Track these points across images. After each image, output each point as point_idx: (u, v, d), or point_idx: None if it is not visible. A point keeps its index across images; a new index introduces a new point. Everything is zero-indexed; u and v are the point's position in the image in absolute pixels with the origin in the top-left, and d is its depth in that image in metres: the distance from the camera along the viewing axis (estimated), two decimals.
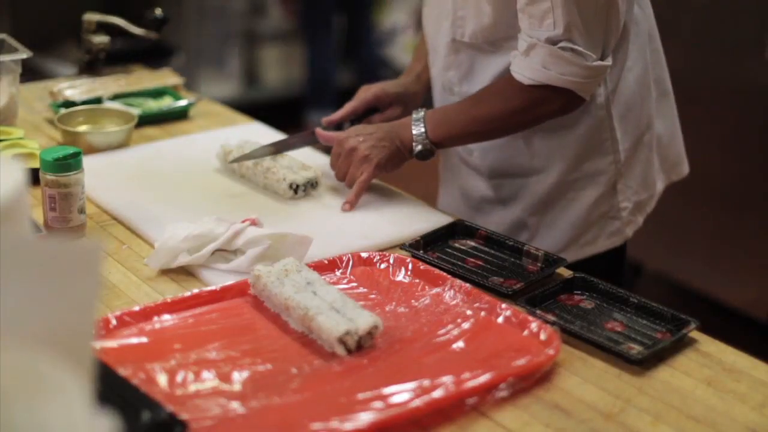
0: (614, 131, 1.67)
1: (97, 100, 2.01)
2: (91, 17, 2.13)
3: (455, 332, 1.24)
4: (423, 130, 1.58)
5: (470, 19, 1.60)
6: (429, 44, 1.74)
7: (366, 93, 1.78)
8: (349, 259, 1.40)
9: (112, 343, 1.19)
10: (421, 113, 1.60)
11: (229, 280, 1.34)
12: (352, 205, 1.59)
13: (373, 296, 1.33)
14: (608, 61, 1.52)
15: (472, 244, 1.51)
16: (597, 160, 1.67)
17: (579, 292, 1.36)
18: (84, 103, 1.99)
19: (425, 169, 1.80)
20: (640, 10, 1.66)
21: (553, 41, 1.48)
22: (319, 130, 1.71)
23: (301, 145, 1.75)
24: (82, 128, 1.88)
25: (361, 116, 1.77)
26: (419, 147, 1.58)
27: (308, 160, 1.70)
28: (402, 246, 1.47)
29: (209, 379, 1.13)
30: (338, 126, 1.75)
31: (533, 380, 1.15)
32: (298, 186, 1.62)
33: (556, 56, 1.48)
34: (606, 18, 1.49)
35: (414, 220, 1.57)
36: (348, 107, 1.77)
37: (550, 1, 1.45)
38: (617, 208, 1.70)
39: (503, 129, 1.61)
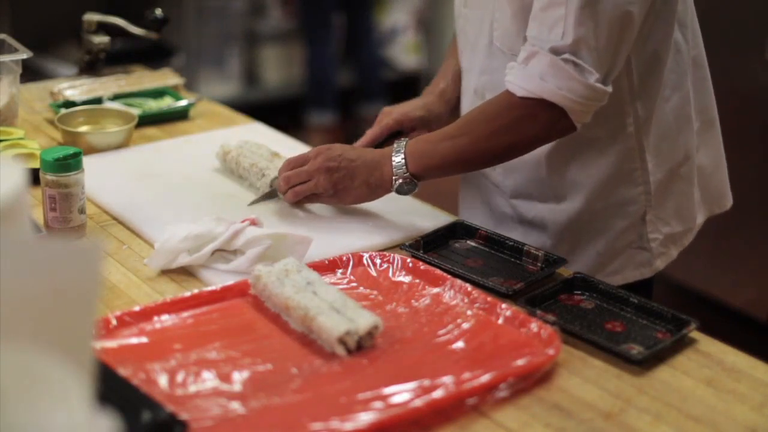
0: (645, 162, 1.60)
1: (98, 101, 2.01)
2: (91, 17, 2.13)
3: (455, 332, 1.24)
4: (402, 162, 1.48)
5: (503, 22, 1.56)
6: (467, 45, 1.67)
7: (387, 118, 1.71)
8: (349, 259, 1.40)
9: (112, 343, 1.19)
10: (402, 143, 1.50)
11: (229, 280, 1.34)
12: (290, 201, 1.56)
13: (373, 296, 1.33)
14: (609, 88, 1.45)
15: (472, 244, 1.51)
16: (625, 190, 1.61)
17: (579, 292, 1.36)
18: (84, 103, 1.99)
19: None
20: (682, 38, 1.60)
21: (557, 51, 1.42)
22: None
23: None
24: (83, 128, 1.88)
25: (383, 142, 1.71)
26: (399, 181, 1.49)
27: None
28: (402, 246, 1.47)
29: (209, 380, 1.13)
30: None
31: (533, 380, 1.15)
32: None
33: (557, 67, 1.42)
34: (618, 41, 1.43)
35: (414, 220, 1.57)
36: (369, 134, 1.70)
37: (565, 9, 1.40)
38: (646, 239, 1.63)
39: (488, 155, 1.51)
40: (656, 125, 1.60)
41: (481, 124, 1.49)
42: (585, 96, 1.43)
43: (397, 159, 1.49)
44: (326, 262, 1.39)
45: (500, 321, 1.26)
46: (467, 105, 1.69)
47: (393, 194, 1.57)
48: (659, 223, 1.64)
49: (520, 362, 1.16)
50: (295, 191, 1.54)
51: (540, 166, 1.62)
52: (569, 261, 1.50)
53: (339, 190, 1.51)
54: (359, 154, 1.53)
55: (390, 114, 1.72)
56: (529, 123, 1.47)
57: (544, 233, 1.66)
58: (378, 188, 1.52)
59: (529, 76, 1.44)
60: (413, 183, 1.50)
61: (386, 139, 1.71)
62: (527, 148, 1.53)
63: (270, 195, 1.62)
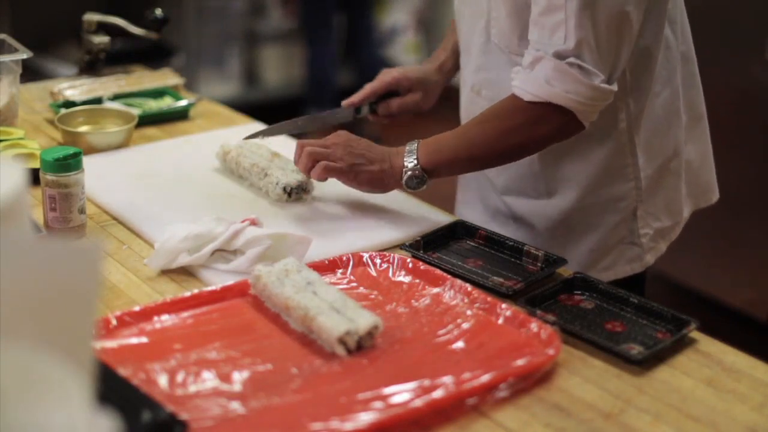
0: (636, 157, 1.61)
1: (98, 101, 2.02)
2: (91, 17, 2.13)
3: (455, 332, 1.24)
4: (415, 156, 1.51)
5: (499, 21, 1.57)
6: (461, 43, 1.70)
7: (387, 76, 1.77)
8: (349, 260, 1.40)
9: (112, 343, 1.19)
10: (415, 144, 1.53)
11: (229, 280, 1.34)
12: (308, 174, 1.55)
13: (373, 296, 1.33)
14: (614, 87, 1.47)
15: (472, 244, 1.51)
16: (616, 186, 1.62)
17: (579, 292, 1.37)
18: (84, 103, 1.99)
19: None
20: (671, 34, 1.61)
21: (561, 56, 1.44)
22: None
23: (332, 122, 1.78)
24: (83, 128, 1.88)
25: (380, 98, 1.77)
26: (408, 173, 1.51)
27: None
28: (402, 246, 1.47)
29: (209, 379, 1.13)
30: (357, 109, 1.78)
31: (533, 380, 1.15)
32: (291, 189, 1.60)
33: (562, 71, 1.44)
34: (618, 41, 1.44)
35: (414, 220, 1.57)
36: (368, 88, 1.76)
37: (564, 13, 1.41)
38: (637, 234, 1.65)
39: (497, 154, 1.54)
40: (647, 121, 1.62)
41: (492, 124, 1.51)
42: (592, 97, 1.45)
43: (410, 153, 1.52)
44: (326, 262, 1.39)
45: (500, 321, 1.26)
46: (465, 100, 1.72)
47: (393, 194, 1.58)
48: (649, 218, 1.66)
49: (520, 362, 1.16)
50: (312, 152, 1.53)
51: (532, 162, 1.64)
52: None
53: (355, 165, 1.52)
54: (376, 145, 1.57)
55: (390, 72, 1.78)
56: (540, 125, 1.49)
57: (536, 229, 1.67)
58: (390, 177, 1.53)
59: (535, 81, 1.46)
60: (423, 178, 1.51)
61: (382, 98, 1.77)
62: (537, 148, 1.56)
63: (270, 131, 1.73)
